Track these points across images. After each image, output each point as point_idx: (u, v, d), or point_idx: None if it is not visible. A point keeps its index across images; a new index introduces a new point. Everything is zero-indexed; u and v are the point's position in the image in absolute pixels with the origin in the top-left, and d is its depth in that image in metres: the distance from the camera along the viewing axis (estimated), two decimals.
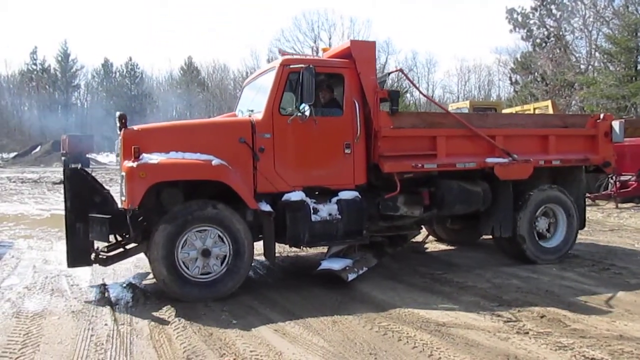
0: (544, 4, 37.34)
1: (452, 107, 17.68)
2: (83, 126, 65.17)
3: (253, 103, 6.66)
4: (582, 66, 33.59)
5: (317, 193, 6.17)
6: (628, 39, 28.02)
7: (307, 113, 5.94)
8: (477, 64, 75.23)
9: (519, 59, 39.68)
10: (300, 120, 5.98)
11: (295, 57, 6.84)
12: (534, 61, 36.17)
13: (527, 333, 4.42)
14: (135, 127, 5.83)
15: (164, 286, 5.44)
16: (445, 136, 6.60)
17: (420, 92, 9.63)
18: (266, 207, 5.79)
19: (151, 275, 6.58)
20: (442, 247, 8.43)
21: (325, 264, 6.04)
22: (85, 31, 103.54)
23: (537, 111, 15.22)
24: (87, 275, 6.58)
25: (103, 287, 6.10)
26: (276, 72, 6.10)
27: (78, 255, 5.69)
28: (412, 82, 8.59)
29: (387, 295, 5.58)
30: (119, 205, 5.80)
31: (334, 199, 6.12)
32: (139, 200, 5.22)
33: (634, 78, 28.32)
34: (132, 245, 5.95)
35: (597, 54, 32.44)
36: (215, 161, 5.53)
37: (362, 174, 6.38)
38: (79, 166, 6.75)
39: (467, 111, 14.62)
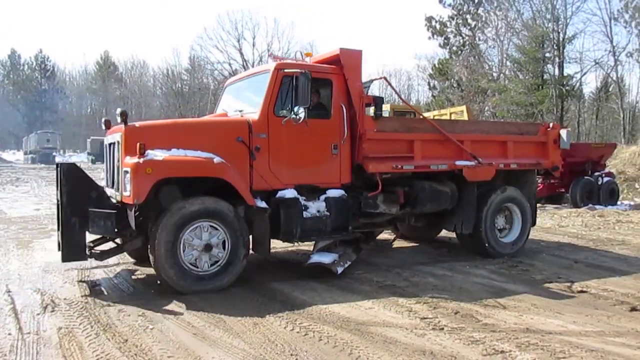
0: (460, 13, 39.13)
1: None
2: None
3: (239, 104, 6.90)
4: (494, 74, 35.47)
5: (305, 191, 6.42)
6: (536, 50, 29.95)
7: (302, 115, 6.22)
8: (397, 69, 77.61)
9: (437, 65, 41.28)
10: (294, 122, 6.26)
11: (287, 61, 6.97)
12: (451, 68, 37.78)
13: (442, 329, 4.59)
14: (137, 124, 5.94)
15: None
16: (421, 140, 7.19)
17: (401, 99, 11.40)
18: (262, 204, 6.02)
19: (61, 281, 6.25)
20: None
21: (316, 258, 6.40)
22: None
23: (453, 116, 15.79)
24: None
25: (7, 294, 5.69)
26: (271, 75, 6.37)
27: (73, 250, 5.74)
28: (394, 90, 9.28)
29: (307, 296, 5.61)
30: (113, 201, 5.92)
31: (322, 197, 6.49)
32: (145, 196, 5.34)
33: (540, 87, 30.29)
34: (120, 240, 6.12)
35: (508, 62, 34.42)
36: (217, 159, 5.73)
37: (348, 174, 6.80)
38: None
39: (387, 114, 15.01)
